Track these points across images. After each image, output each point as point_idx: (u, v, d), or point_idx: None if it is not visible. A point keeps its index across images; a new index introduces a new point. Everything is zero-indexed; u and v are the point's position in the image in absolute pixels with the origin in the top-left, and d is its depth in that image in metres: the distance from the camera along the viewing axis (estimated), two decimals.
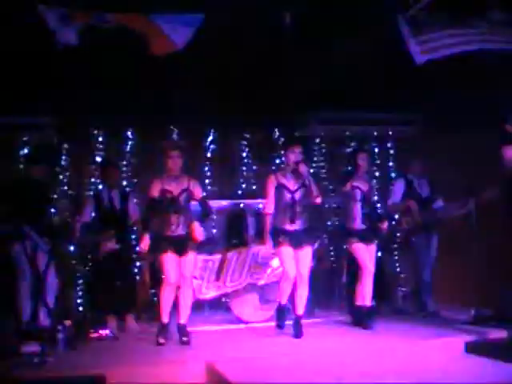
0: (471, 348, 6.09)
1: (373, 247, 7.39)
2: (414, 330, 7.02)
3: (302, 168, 6.64)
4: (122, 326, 7.46)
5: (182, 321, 6.68)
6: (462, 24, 7.14)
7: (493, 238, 7.47)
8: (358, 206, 7.35)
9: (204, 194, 6.99)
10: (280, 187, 6.80)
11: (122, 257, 7.59)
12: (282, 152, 7.06)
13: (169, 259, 6.56)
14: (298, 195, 6.77)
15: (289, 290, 6.78)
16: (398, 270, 9.91)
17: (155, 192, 6.62)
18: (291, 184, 6.80)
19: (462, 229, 7.63)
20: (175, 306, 6.74)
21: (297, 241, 6.72)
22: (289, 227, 6.76)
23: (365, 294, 7.25)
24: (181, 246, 6.59)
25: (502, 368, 5.37)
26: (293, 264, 6.70)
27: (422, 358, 5.76)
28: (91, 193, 8.63)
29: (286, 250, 6.72)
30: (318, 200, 6.66)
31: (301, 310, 6.83)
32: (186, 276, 6.64)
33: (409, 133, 10.07)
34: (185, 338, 6.55)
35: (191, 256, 6.66)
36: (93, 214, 7.70)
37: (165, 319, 6.65)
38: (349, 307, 7.78)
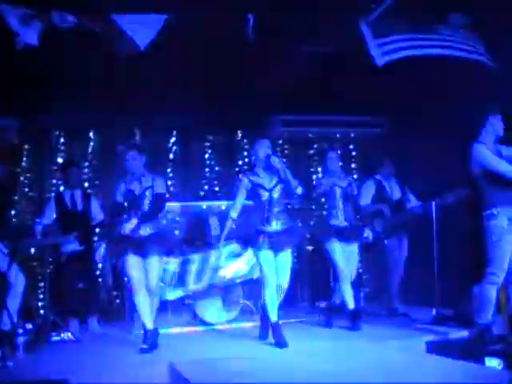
0: (432, 348, 6.16)
1: (353, 247, 7.29)
2: (375, 330, 7.08)
3: (275, 161, 6.28)
4: (85, 329, 7.40)
5: (147, 326, 6.40)
6: (423, 29, 7.23)
7: (454, 239, 7.56)
8: (339, 203, 7.31)
9: (164, 192, 6.59)
10: (255, 187, 6.40)
11: (85, 258, 7.52)
12: (251, 148, 6.73)
13: (131, 262, 6.34)
14: (276, 193, 6.40)
15: (274, 301, 6.34)
16: (360, 270, 9.98)
17: (119, 194, 6.47)
18: (266, 182, 6.43)
19: (423, 230, 7.68)
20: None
21: (277, 243, 6.35)
22: (268, 229, 6.38)
23: (345, 297, 7.16)
24: (143, 248, 6.31)
25: (462, 367, 5.43)
26: (273, 270, 6.34)
27: (384, 358, 5.79)
28: (52, 194, 8.54)
29: (265, 255, 6.34)
30: (299, 190, 6.32)
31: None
32: (149, 280, 6.35)
33: (371, 135, 10.15)
34: (144, 346, 6.27)
35: (152, 260, 6.33)
36: (54, 216, 7.63)
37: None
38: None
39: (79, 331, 7.23)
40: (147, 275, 6.34)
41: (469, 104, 7.28)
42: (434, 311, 7.38)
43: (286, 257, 6.48)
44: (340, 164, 7.59)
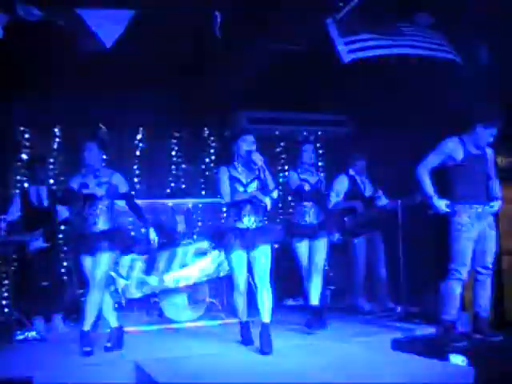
0: (397, 345, 6.20)
1: (321, 243, 7.11)
2: (340, 327, 7.12)
3: (256, 157, 6.02)
4: (50, 327, 7.31)
5: (85, 328, 6.12)
6: (390, 27, 7.27)
7: (420, 236, 7.63)
8: (308, 200, 7.18)
9: (128, 189, 6.49)
10: (231, 180, 6.15)
11: (50, 256, 7.44)
12: (233, 142, 6.23)
13: (84, 261, 6.20)
14: (251, 189, 6.15)
15: (243, 303, 6.22)
16: (326, 268, 10.01)
17: (73, 185, 6.26)
18: (243, 177, 6.18)
19: (390, 228, 7.72)
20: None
21: (250, 241, 6.04)
22: (240, 225, 6.10)
23: (310, 294, 7.03)
24: (95, 244, 6.12)
25: (427, 364, 5.47)
26: (244, 273, 6.11)
27: (349, 355, 5.82)
28: (17, 191, 8.44)
29: (237, 255, 6.06)
30: (275, 194, 6.10)
31: (267, 317, 6.02)
32: (95, 278, 6.10)
33: (338, 133, 10.19)
34: (87, 348, 5.99)
35: (101, 256, 6.10)
36: (19, 213, 7.53)
37: (85, 327, 6.14)
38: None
39: (44, 329, 7.14)
40: (94, 270, 6.10)
41: (436, 102, 7.37)
42: (399, 308, 7.43)
43: (263, 253, 6.06)
44: (313, 159, 7.36)
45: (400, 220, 7.49)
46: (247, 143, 6.16)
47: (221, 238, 6.18)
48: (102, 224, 6.20)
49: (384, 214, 8.01)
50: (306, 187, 7.21)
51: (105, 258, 6.11)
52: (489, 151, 6.36)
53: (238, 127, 8.59)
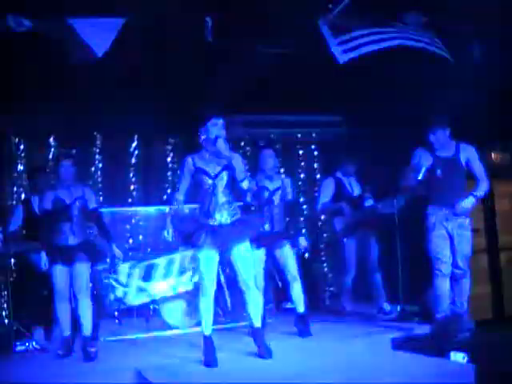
0: (397, 344, 6.20)
1: (285, 251, 6.93)
2: (340, 327, 7.13)
3: (221, 146, 5.56)
4: (50, 337, 7.29)
5: (85, 333, 6.38)
6: (382, 24, 7.29)
7: (418, 235, 7.63)
8: (266, 207, 6.95)
9: (96, 205, 6.74)
10: (198, 172, 5.70)
11: None
12: (201, 126, 5.75)
13: (57, 271, 6.39)
14: (220, 181, 5.69)
15: (210, 313, 5.69)
16: (325, 270, 10.04)
17: (48, 202, 6.49)
18: (211, 167, 5.70)
19: (388, 227, 7.73)
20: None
21: (222, 239, 5.61)
22: (211, 222, 5.65)
23: (293, 300, 7.00)
24: (71, 256, 6.41)
25: (427, 363, 5.48)
26: (213, 276, 5.67)
27: (349, 356, 5.82)
28: (17, 201, 8.50)
29: (206, 255, 5.61)
30: (245, 184, 5.62)
31: (258, 321, 5.81)
32: (80, 287, 6.41)
33: (332, 134, 10.20)
34: (91, 349, 6.28)
35: (81, 267, 6.40)
36: (20, 223, 7.52)
37: (65, 332, 6.48)
38: None
39: (44, 340, 7.12)
40: (75, 282, 6.42)
41: (428, 102, 7.38)
42: (399, 308, 7.43)
43: (242, 250, 5.70)
44: (274, 164, 7.12)
45: (397, 219, 7.50)
46: (218, 128, 5.67)
47: (190, 237, 5.66)
48: (77, 237, 6.51)
49: (376, 215, 7.99)
50: (265, 194, 6.98)
51: (84, 268, 6.43)
52: (465, 152, 6.42)
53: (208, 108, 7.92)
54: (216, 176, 5.68)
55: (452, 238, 6.38)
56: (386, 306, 7.91)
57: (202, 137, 5.75)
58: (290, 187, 7.22)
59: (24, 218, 7.49)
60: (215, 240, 5.57)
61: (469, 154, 6.45)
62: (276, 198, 7.00)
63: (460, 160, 6.45)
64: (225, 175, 5.69)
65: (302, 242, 7.20)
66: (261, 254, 6.86)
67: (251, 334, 5.92)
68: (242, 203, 5.99)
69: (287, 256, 6.93)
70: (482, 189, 6.40)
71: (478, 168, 6.44)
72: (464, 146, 6.49)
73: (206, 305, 5.67)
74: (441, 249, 6.38)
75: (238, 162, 5.65)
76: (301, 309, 6.90)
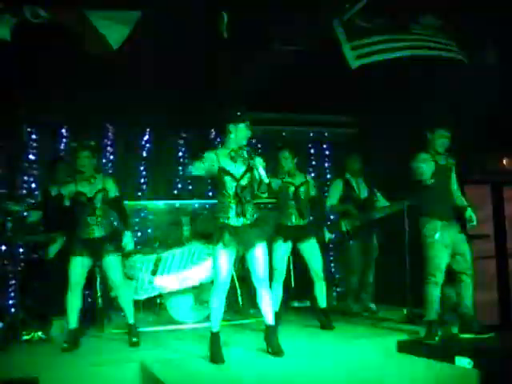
0: (403, 347, 6.19)
1: (310, 245, 7.11)
2: (347, 329, 7.11)
3: (245, 145, 5.74)
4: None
5: (130, 321, 6.64)
6: (397, 29, 7.27)
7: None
8: (292, 202, 7.13)
9: (118, 194, 6.69)
10: (222, 171, 5.68)
11: None
12: (231, 123, 5.71)
13: (78, 263, 6.39)
14: (244, 182, 5.70)
15: (219, 309, 5.69)
16: (332, 270, 10.04)
17: (69, 196, 6.52)
18: (236, 168, 5.71)
19: (396, 229, 7.71)
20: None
21: (243, 239, 5.63)
22: (231, 222, 5.66)
23: (316, 296, 7.23)
24: (97, 249, 6.47)
25: (432, 366, 5.47)
26: (228, 274, 5.64)
27: (356, 357, 5.82)
28: (24, 192, 8.51)
29: (226, 254, 5.58)
30: (267, 187, 5.67)
31: (270, 319, 5.82)
32: (116, 279, 6.58)
33: (344, 134, 10.19)
34: (134, 339, 6.49)
35: (112, 259, 6.52)
36: (40, 214, 7.54)
37: (71, 325, 6.46)
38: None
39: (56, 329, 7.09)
40: (110, 274, 6.55)
41: (441, 105, 7.36)
42: (405, 310, 7.42)
43: (260, 253, 5.69)
44: (295, 162, 7.26)
45: (406, 221, 7.49)
46: (245, 129, 5.77)
47: (210, 236, 5.78)
48: (101, 229, 6.54)
49: (381, 216, 8.10)
50: (291, 190, 7.16)
51: (114, 260, 6.54)
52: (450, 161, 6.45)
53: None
54: (240, 177, 5.70)
55: (453, 242, 6.33)
56: (373, 306, 8.14)
57: (229, 136, 5.78)
58: (314, 183, 7.45)
59: (44, 208, 7.49)
60: (236, 240, 5.61)
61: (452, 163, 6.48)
62: (301, 193, 7.17)
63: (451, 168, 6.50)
64: (247, 176, 5.73)
65: (327, 234, 7.44)
66: (286, 248, 7.08)
67: (265, 332, 5.90)
68: (261, 202, 5.92)
69: (312, 252, 7.13)
70: None
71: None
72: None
73: (218, 302, 5.69)
74: (439, 256, 6.30)
75: (260, 164, 5.62)
76: (323, 305, 7.18)
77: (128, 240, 6.59)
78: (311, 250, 7.14)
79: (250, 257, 5.73)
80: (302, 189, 7.19)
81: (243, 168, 5.72)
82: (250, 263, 5.76)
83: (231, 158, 5.74)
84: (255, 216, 5.75)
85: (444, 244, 6.25)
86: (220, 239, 5.58)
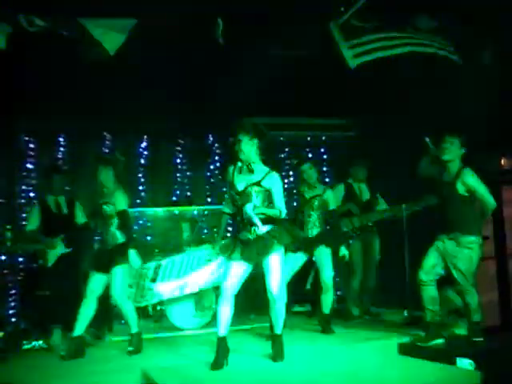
0: (403, 349, 6.18)
1: (321, 256, 7.25)
2: (347, 332, 7.11)
3: (255, 160, 5.71)
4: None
5: (132, 330, 6.61)
6: (393, 28, 7.29)
7: (425, 241, 7.60)
8: (301, 213, 7.35)
9: (123, 208, 6.69)
10: (229, 185, 5.76)
11: (73, 260, 7.35)
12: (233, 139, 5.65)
13: (94, 274, 6.55)
14: (246, 197, 5.60)
15: (227, 314, 5.61)
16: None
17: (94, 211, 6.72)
18: (240, 182, 5.65)
19: (396, 232, 7.71)
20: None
21: (251, 253, 5.63)
22: (241, 236, 5.69)
23: (321, 302, 7.40)
24: (107, 260, 6.55)
25: (433, 368, 5.47)
26: (236, 282, 5.63)
27: (356, 360, 5.82)
28: (22, 201, 8.50)
29: (236, 265, 5.64)
30: (277, 213, 5.64)
31: (277, 328, 5.88)
32: (119, 291, 6.56)
33: (342, 138, 10.19)
34: (129, 348, 6.50)
35: (117, 269, 6.54)
36: (37, 223, 7.53)
37: (77, 331, 6.44)
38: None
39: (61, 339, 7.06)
40: (112, 285, 6.53)
41: (440, 107, 7.36)
42: (405, 313, 7.41)
43: (271, 263, 5.63)
44: (313, 175, 7.39)
45: (405, 224, 7.49)
46: (253, 147, 5.71)
47: (221, 248, 5.85)
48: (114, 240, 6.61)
49: (382, 218, 8.12)
50: (301, 201, 7.37)
51: (120, 272, 6.56)
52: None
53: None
54: (241, 192, 5.63)
55: (446, 252, 6.36)
56: (374, 309, 8.22)
57: (239, 150, 5.66)
58: (331, 197, 7.46)
59: (41, 217, 7.47)
60: (244, 253, 5.63)
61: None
62: (313, 206, 7.30)
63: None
64: (252, 192, 5.63)
65: (343, 250, 7.45)
66: (297, 258, 7.22)
67: (270, 338, 6.04)
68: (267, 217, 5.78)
69: (322, 261, 7.26)
70: None
71: None
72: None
73: (223, 306, 5.63)
74: (429, 257, 6.42)
75: (275, 182, 5.66)
76: (326, 311, 7.30)
77: (134, 258, 6.82)
78: (322, 260, 7.27)
79: (264, 267, 5.71)
80: (316, 201, 7.32)
81: (247, 183, 5.65)
82: (265, 273, 5.71)
83: (239, 172, 5.72)
84: (262, 231, 5.60)
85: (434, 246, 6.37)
86: (229, 252, 5.68)
